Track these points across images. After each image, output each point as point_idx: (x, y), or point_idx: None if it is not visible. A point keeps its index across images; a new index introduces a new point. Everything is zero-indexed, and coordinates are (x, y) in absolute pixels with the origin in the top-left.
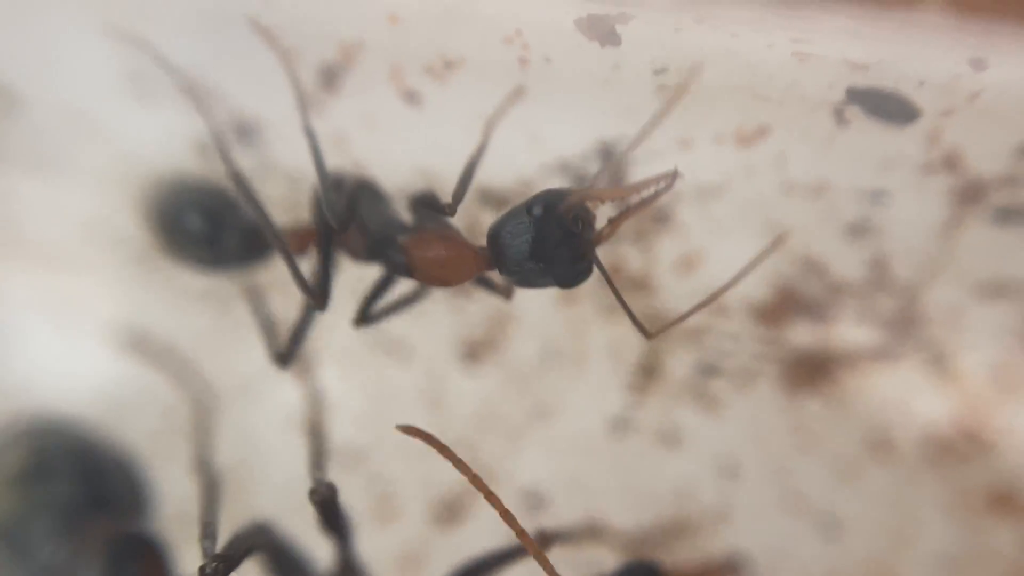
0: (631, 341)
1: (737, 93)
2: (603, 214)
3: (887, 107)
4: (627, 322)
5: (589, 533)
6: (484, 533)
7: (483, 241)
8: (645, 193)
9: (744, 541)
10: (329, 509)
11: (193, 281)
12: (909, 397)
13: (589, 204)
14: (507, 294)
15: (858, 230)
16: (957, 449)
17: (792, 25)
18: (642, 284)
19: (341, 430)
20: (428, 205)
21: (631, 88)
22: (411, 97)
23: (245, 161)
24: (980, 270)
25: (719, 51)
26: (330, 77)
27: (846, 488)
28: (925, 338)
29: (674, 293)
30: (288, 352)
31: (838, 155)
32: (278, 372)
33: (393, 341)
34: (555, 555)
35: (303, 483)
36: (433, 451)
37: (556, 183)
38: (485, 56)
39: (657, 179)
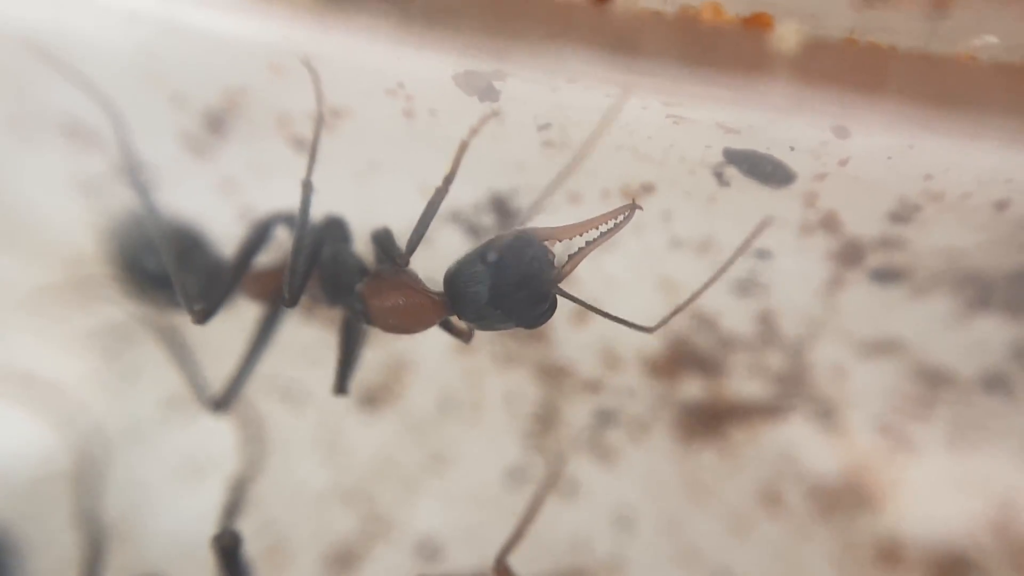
0: (527, 391)
1: (620, 151)
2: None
3: (763, 169)
4: (523, 371)
5: None
6: None
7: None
8: (604, 227)
9: None
10: (230, 559)
11: (81, 323)
12: (798, 451)
13: (549, 243)
14: (467, 338)
15: (746, 286)
16: (845, 504)
17: (661, 88)
18: (538, 336)
19: (232, 476)
20: (384, 249)
21: (518, 142)
22: (299, 144)
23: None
24: (862, 328)
25: (597, 111)
26: (216, 123)
27: (738, 541)
28: (813, 394)
29: (570, 344)
30: (226, 396)
31: (721, 213)
32: (166, 418)
33: (286, 387)
34: None
35: (194, 531)
36: (325, 499)
37: (449, 233)
38: (370, 107)
39: (616, 212)
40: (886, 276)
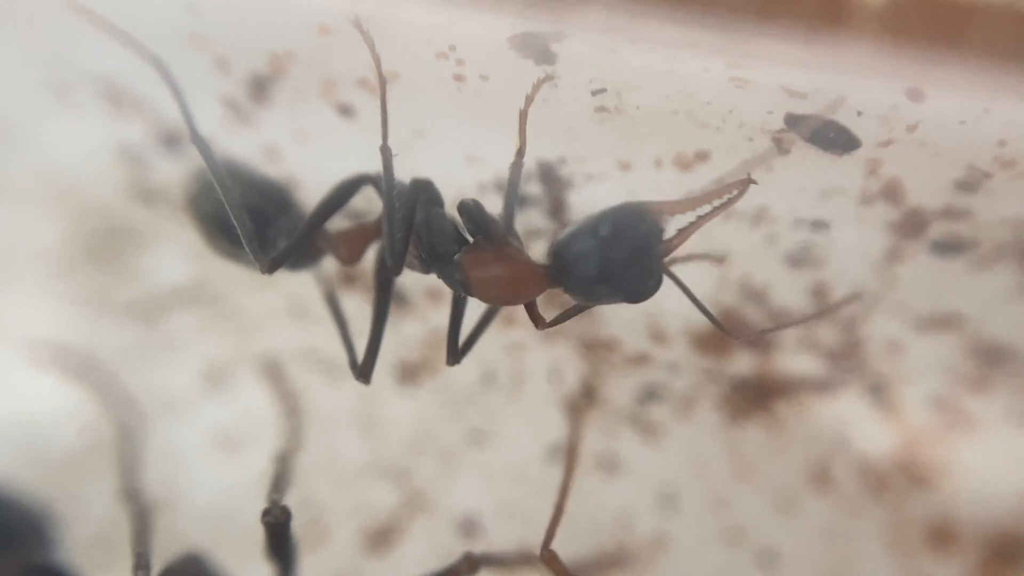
0: (570, 366)
1: (676, 117)
2: None
3: (825, 135)
4: (567, 345)
5: (522, 560)
6: (416, 560)
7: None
8: (717, 202)
9: (681, 573)
10: (278, 534)
11: (117, 295)
12: (848, 429)
13: (660, 217)
14: (542, 324)
15: (799, 259)
16: (896, 483)
17: (728, 49)
18: (585, 312)
19: (270, 452)
20: (475, 221)
21: (570, 109)
22: (345, 110)
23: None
24: (919, 302)
25: (656, 74)
26: (260, 88)
27: (784, 520)
28: (865, 370)
29: (615, 318)
30: (365, 366)
31: (778, 182)
32: (205, 392)
33: (326, 361)
34: None
35: (234, 504)
36: (365, 475)
37: (494, 201)
38: (419, 71)
39: (729, 187)
40: (947, 248)
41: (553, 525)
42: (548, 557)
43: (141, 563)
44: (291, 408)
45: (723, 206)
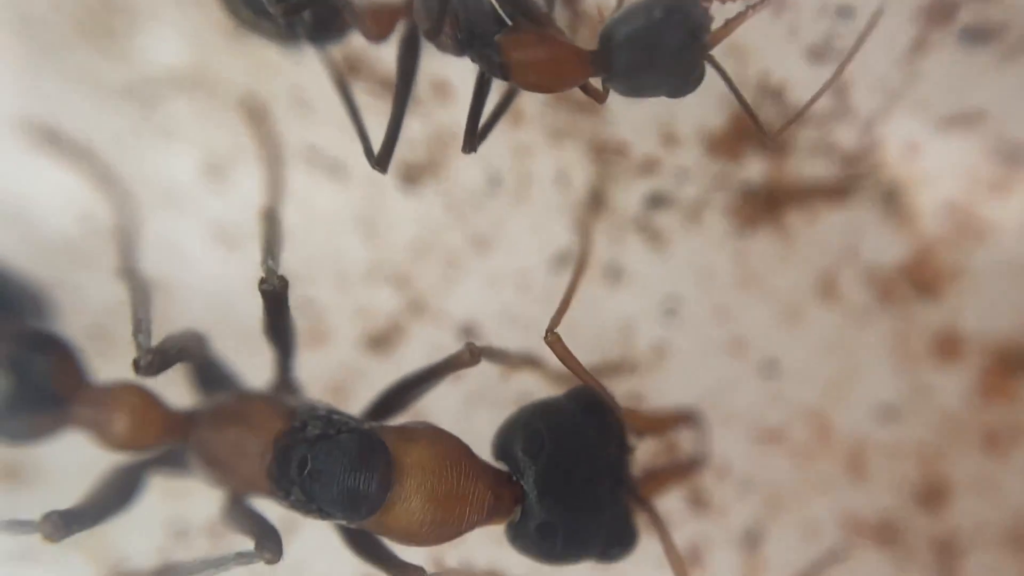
0: (578, 170)
1: None
2: None
3: None
4: (575, 148)
5: (523, 360)
6: (417, 360)
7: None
8: None
9: (682, 382)
10: (277, 304)
11: (111, 76)
12: (859, 236)
13: (709, 5)
14: (601, 98)
15: (821, 52)
16: (903, 293)
17: None
18: (593, 109)
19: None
20: (513, 3)
21: None
22: None
23: None
24: (941, 98)
25: None
26: None
27: (788, 331)
28: (881, 173)
29: (626, 119)
30: (383, 153)
31: None
32: (206, 182)
33: (331, 159)
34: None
35: (230, 301)
36: (365, 279)
37: None
38: None
39: None
40: (976, 36)
41: (560, 311)
42: (552, 340)
43: (142, 328)
44: (273, 155)
45: None
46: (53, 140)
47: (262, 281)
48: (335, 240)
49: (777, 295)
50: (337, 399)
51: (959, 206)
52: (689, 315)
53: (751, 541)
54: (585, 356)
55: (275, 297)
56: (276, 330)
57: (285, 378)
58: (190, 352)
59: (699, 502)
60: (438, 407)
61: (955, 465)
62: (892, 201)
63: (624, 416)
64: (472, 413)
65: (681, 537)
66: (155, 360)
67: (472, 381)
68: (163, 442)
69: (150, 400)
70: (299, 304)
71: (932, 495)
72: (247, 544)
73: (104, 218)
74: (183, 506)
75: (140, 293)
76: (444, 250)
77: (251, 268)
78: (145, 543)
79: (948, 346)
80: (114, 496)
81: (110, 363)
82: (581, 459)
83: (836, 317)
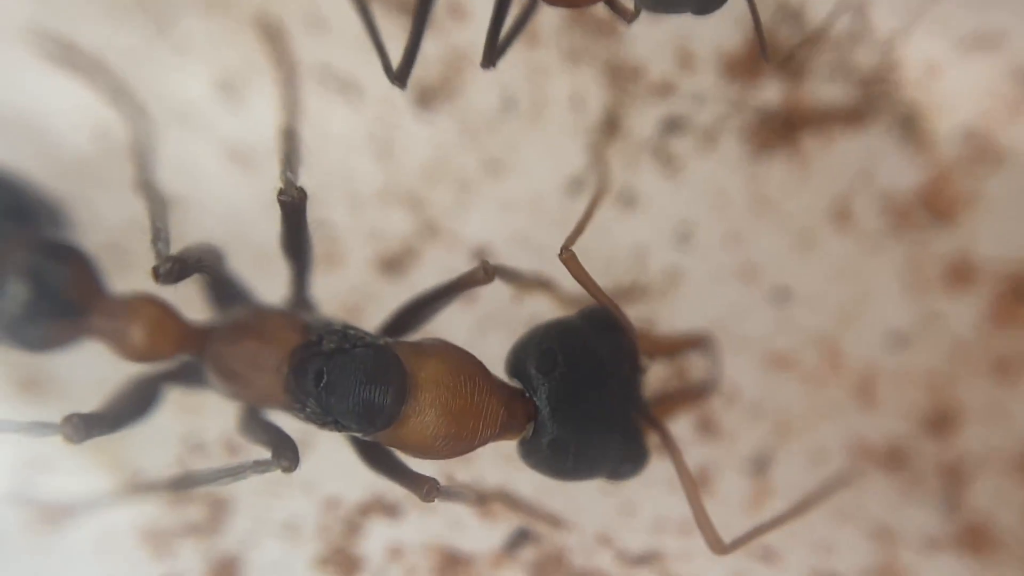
0: (593, 93)
1: None
2: None
3: None
4: (591, 70)
5: (538, 282)
6: (429, 282)
7: None
8: None
9: (693, 308)
10: (295, 216)
11: None
12: (874, 162)
13: None
14: (630, 17)
15: None
16: (918, 219)
17: None
18: (610, 31)
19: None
20: None
21: None
22: None
23: None
24: (964, 19)
25: None
26: None
27: (800, 258)
28: (899, 97)
29: (643, 41)
30: (402, 70)
31: None
32: (220, 101)
33: (343, 78)
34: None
35: (245, 223)
36: (378, 201)
37: None
38: None
39: None
40: None
41: (576, 231)
42: (567, 257)
43: (160, 236)
44: (289, 75)
45: None
46: (67, 52)
47: (280, 192)
48: (348, 162)
49: (791, 221)
50: (350, 321)
51: (977, 131)
52: (702, 240)
53: (759, 466)
54: (598, 280)
55: (293, 208)
56: (293, 245)
57: (301, 295)
58: (208, 264)
59: (708, 427)
60: (451, 329)
61: (965, 392)
62: (910, 126)
63: (637, 337)
64: (484, 336)
65: (690, 461)
66: (174, 268)
67: (485, 304)
68: (180, 354)
69: (167, 311)
70: (312, 226)
71: (941, 422)
72: (264, 454)
73: (119, 137)
74: (199, 421)
75: (158, 204)
76: (458, 173)
77: (266, 188)
78: (163, 457)
79: (961, 273)
80: (132, 406)
81: (125, 280)
82: (594, 377)
83: (849, 243)
